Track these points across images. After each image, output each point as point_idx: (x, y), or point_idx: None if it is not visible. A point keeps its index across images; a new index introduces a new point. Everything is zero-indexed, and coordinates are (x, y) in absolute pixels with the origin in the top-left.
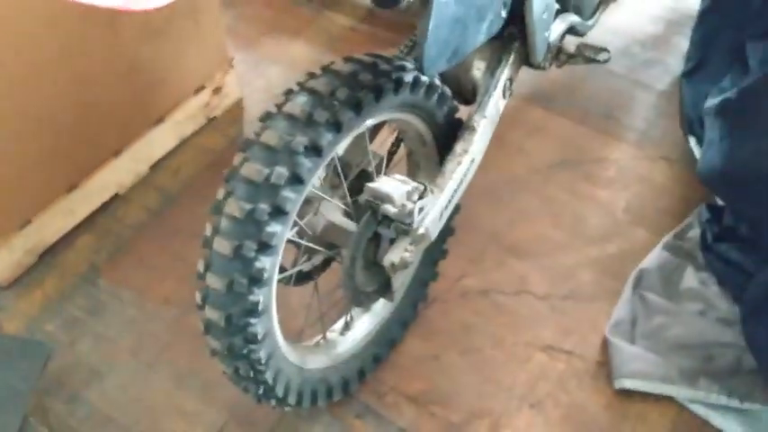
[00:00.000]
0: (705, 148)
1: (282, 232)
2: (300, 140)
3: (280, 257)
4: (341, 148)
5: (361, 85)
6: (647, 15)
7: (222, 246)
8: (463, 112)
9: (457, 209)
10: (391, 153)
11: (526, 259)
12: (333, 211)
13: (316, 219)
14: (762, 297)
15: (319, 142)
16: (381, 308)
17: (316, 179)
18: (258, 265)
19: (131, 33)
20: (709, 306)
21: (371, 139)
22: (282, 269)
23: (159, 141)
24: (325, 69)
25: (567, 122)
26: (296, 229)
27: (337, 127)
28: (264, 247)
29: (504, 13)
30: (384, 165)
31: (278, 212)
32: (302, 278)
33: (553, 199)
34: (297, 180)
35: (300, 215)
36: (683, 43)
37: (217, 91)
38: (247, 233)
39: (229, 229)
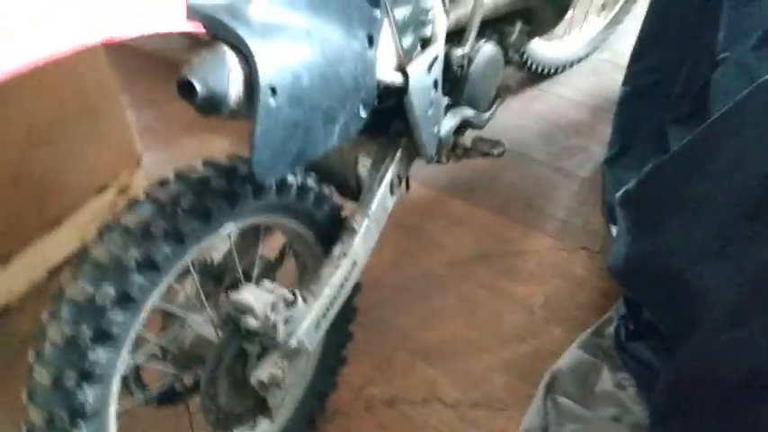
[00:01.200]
0: (614, 240)
1: (112, 358)
2: (132, 255)
3: (113, 387)
4: (217, 253)
5: (211, 192)
6: (570, 101)
7: (42, 375)
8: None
9: (351, 312)
10: (281, 256)
11: (437, 363)
12: (202, 324)
13: (183, 332)
14: (666, 401)
15: (154, 256)
16: (268, 428)
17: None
18: (81, 397)
19: (15, 138)
20: (625, 410)
21: (264, 239)
22: (149, 390)
23: (57, 246)
24: (178, 175)
25: (486, 213)
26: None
27: (178, 238)
28: (87, 376)
29: (363, 113)
30: (267, 269)
31: (104, 337)
32: (172, 398)
33: (469, 296)
34: (127, 299)
35: (165, 327)
36: (606, 129)
37: (123, 190)
38: (69, 361)
39: (50, 357)
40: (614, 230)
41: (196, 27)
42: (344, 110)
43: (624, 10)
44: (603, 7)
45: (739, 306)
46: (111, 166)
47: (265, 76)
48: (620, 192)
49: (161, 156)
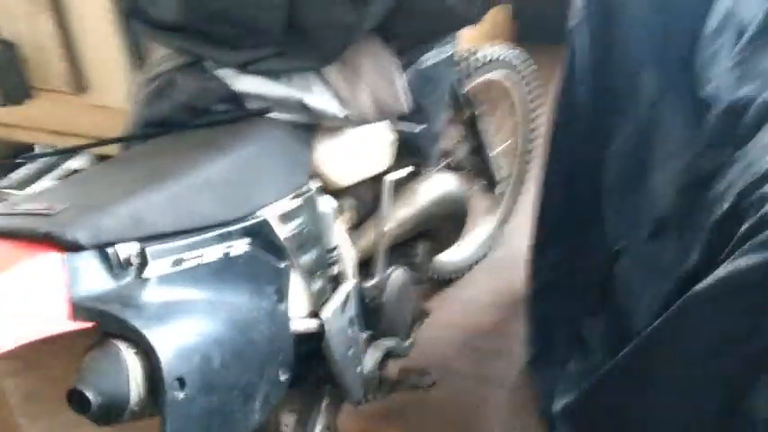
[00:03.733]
0: None
1: None
2: None
3: None
4: None
5: None
6: (478, 304)
7: None
8: None
9: None
10: None
11: None
12: None
13: None
14: None
15: None
16: None
17: None
18: None
19: None
20: None
21: None
22: None
23: None
24: None
25: None
26: None
27: None
28: None
29: (284, 377)
30: None
31: None
32: None
33: None
34: None
35: None
36: (521, 328)
37: None
38: None
39: None
40: None
41: (82, 324)
42: (263, 380)
43: (508, 210)
44: (488, 209)
45: None
46: None
47: (170, 369)
48: (559, 405)
49: (49, 425)
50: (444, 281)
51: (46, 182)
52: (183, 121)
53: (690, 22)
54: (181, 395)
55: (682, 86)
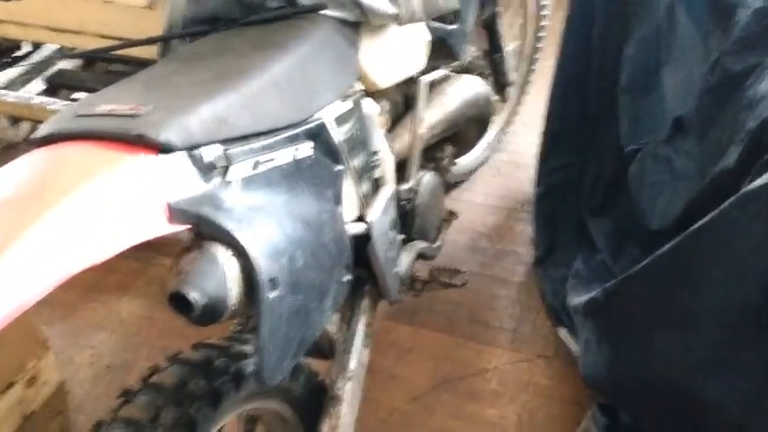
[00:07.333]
0: (584, 351)
1: None
2: None
3: None
4: None
5: (218, 373)
6: (483, 207)
7: None
8: None
9: None
10: None
11: None
12: None
13: None
14: None
15: None
16: None
17: None
18: None
19: None
20: None
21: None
22: None
23: None
24: (173, 359)
25: (435, 336)
26: None
27: (191, 428)
28: None
29: (347, 278)
30: None
31: None
32: None
33: (440, 430)
34: None
35: None
36: (527, 230)
37: (31, 382)
38: None
39: None
40: (562, 333)
41: (179, 228)
42: (333, 280)
43: (513, 113)
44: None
45: (746, 412)
46: (15, 360)
47: (264, 270)
48: (581, 299)
49: (65, 328)
50: (450, 184)
51: (38, 83)
52: (234, 17)
53: None
54: (274, 295)
55: None
